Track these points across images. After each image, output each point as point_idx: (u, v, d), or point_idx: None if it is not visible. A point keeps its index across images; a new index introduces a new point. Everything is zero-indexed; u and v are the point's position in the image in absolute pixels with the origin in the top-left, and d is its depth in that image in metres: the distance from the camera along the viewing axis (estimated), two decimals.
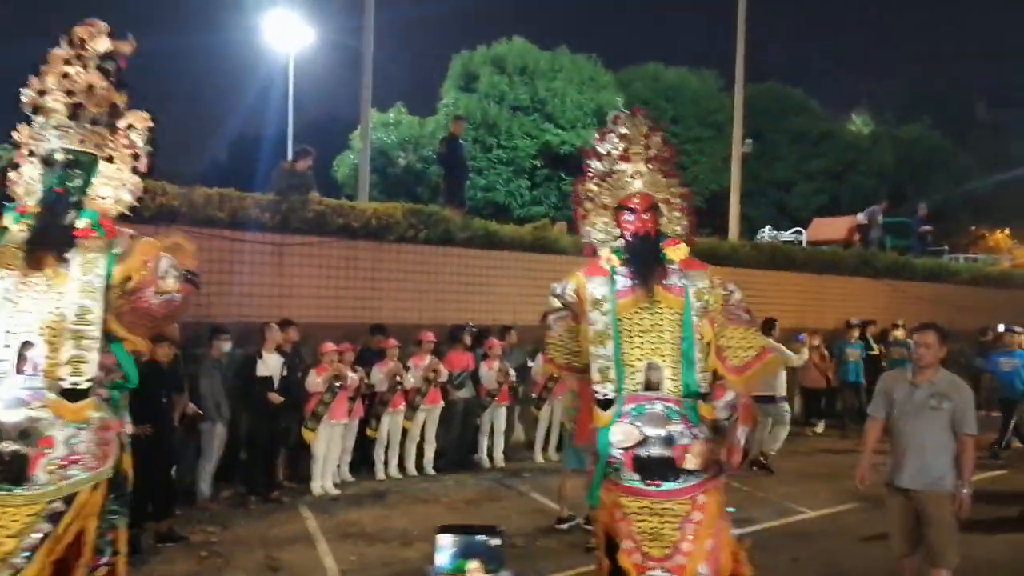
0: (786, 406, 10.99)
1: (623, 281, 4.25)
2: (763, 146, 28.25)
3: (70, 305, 3.66)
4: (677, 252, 4.33)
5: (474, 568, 4.75)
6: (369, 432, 9.52)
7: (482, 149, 24.47)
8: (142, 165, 4.01)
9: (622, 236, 4.34)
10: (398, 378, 9.45)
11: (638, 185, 4.35)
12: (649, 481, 3.96)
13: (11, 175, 3.91)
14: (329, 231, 10.33)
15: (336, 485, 8.99)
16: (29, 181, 3.86)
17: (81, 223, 3.81)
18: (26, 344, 3.60)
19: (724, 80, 28.02)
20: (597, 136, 4.58)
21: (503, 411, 10.56)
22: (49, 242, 3.71)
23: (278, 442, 8.74)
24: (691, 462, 3.94)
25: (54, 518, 3.55)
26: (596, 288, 4.29)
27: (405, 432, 9.79)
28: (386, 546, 7.04)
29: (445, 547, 4.91)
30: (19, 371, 3.58)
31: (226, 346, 8.37)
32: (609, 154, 4.44)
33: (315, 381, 8.70)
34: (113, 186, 3.92)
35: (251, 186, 11.15)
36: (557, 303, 4.53)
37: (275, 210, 9.91)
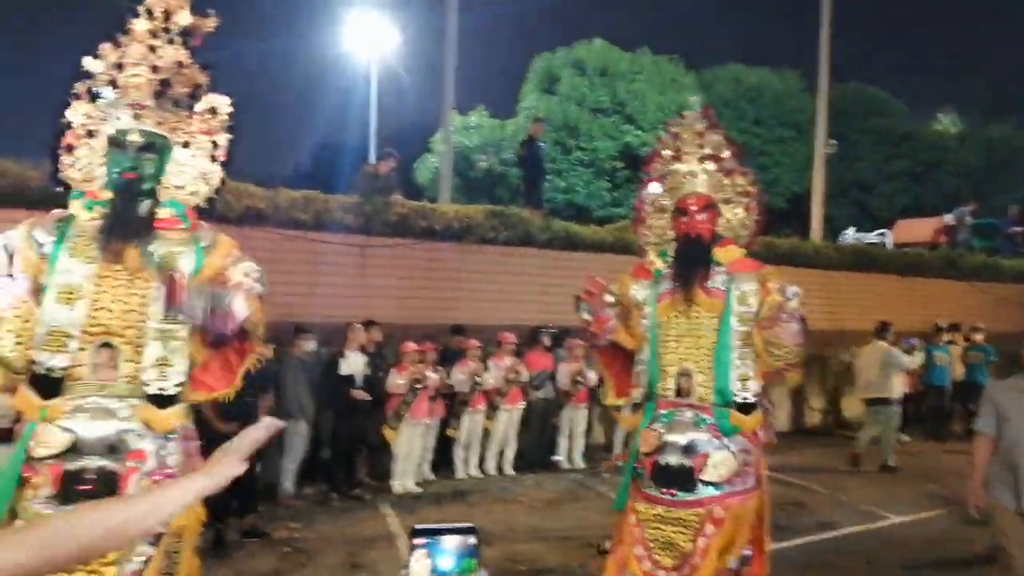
0: (897, 410, 10.73)
1: (666, 284, 4.15)
2: (845, 146, 27.49)
3: (155, 303, 3.31)
4: (727, 254, 4.17)
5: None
6: (449, 432, 9.57)
7: (562, 151, 24.45)
8: (221, 154, 3.62)
9: (676, 239, 4.23)
10: (478, 378, 9.48)
11: (692, 185, 4.21)
12: (664, 489, 3.85)
13: (64, 158, 3.47)
14: (411, 233, 10.43)
15: (417, 484, 9.06)
16: (88, 165, 3.45)
17: (165, 212, 3.47)
18: (104, 346, 3.25)
19: (806, 80, 27.39)
20: (659, 139, 4.48)
21: (582, 412, 10.50)
22: (128, 232, 3.32)
23: (360, 441, 8.85)
24: (711, 473, 3.79)
25: (154, 539, 3.17)
26: (638, 291, 4.23)
27: (485, 432, 9.81)
28: None
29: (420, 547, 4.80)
30: (97, 378, 3.22)
31: (310, 345, 8.51)
32: (662, 155, 4.35)
33: (397, 381, 8.79)
34: (189, 175, 3.55)
35: (334, 189, 11.35)
36: (611, 299, 4.37)
37: (358, 212, 10.06)
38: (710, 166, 4.23)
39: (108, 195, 3.37)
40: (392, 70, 26.48)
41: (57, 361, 3.18)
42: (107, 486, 3.09)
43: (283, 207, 9.43)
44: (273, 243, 9.32)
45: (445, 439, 9.63)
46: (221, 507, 6.92)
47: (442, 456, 9.70)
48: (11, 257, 3.26)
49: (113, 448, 3.15)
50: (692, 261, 4.10)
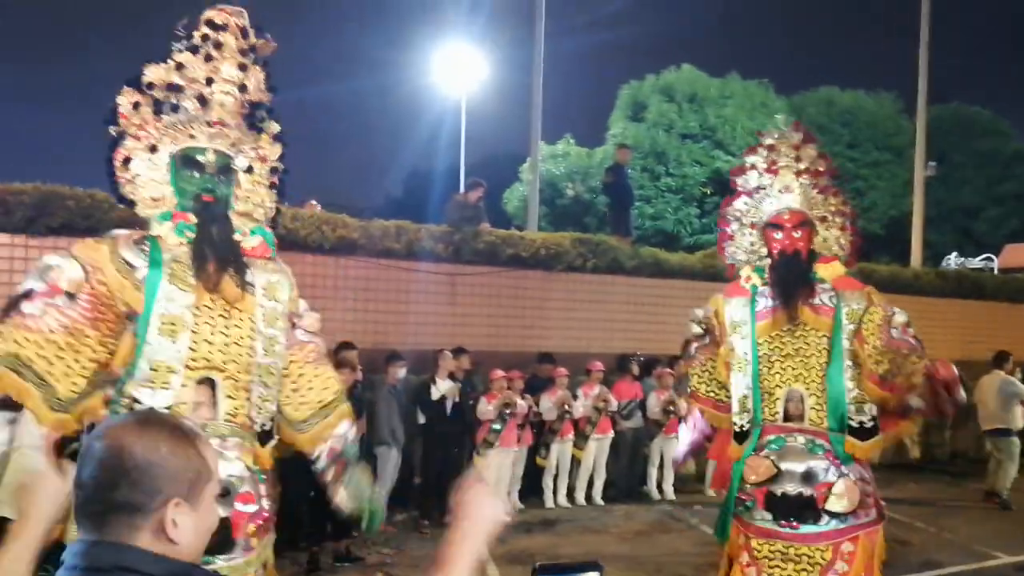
0: (1017, 441, 10.32)
1: (764, 302, 3.91)
2: (947, 169, 26.56)
3: (259, 337, 3.17)
4: (830, 270, 3.95)
5: None
6: (538, 460, 9.55)
7: (651, 177, 24.33)
8: (276, 180, 3.45)
9: (769, 255, 4.01)
10: (567, 407, 9.46)
11: (788, 200, 3.98)
12: (784, 522, 3.55)
13: (121, 172, 3.20)
14: (499, 261, 10.52)
15: (506, 512, 9.03)
16: (150, 183, 3.19)
17: (253, 241, 3.28)
18: (204, 382, 3.05)
19: (903, 101, 26.65)
20: (745, 151, 4.32)
21: (673, 442, 10.33)
22: (225, 258, 3.12)
23: (450, 468, 8.91)
24: (835, 503, 3.50)
25: None
26: (735, 310, 3.98)
27: (574, 461, 9.76)
28: None
29: None
30: (197, 416, 2.98)
31: (401, 372, 8.64)
32: (755, 167, 4.12)
33: (486, 408, 8.83)
34: (252, 202, 3.35)
35: (424, 219, 11.55)
36: (698, 329, 4.20)
37: (448, 241, 10.20)
38: (806, 181, 4.04)
39: (194, 218, 3.15)
40: (481, 101, 26.88)
41: (160, 399, 2.95)
42: (222, 533, 2.80)
43: (376, 236, 9.64)
44: (366, 272, 9.53)
45: (534, 468, 9.62)
46: (316, 531, 7.07)
47: (531, 485, 9.68)
48: (53, 272, 2.94)
49: (225, 492, 2.92)
50: (793, 276, 3.87)
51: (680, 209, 24.41)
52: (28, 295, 2.87)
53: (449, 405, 8.69)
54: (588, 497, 9.85)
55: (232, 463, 3.00)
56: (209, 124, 3.20)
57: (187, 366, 3.00)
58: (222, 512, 2.74)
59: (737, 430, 3.86)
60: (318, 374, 3.45)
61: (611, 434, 9.89)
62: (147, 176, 3.18)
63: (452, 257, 10.21)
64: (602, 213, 21.89)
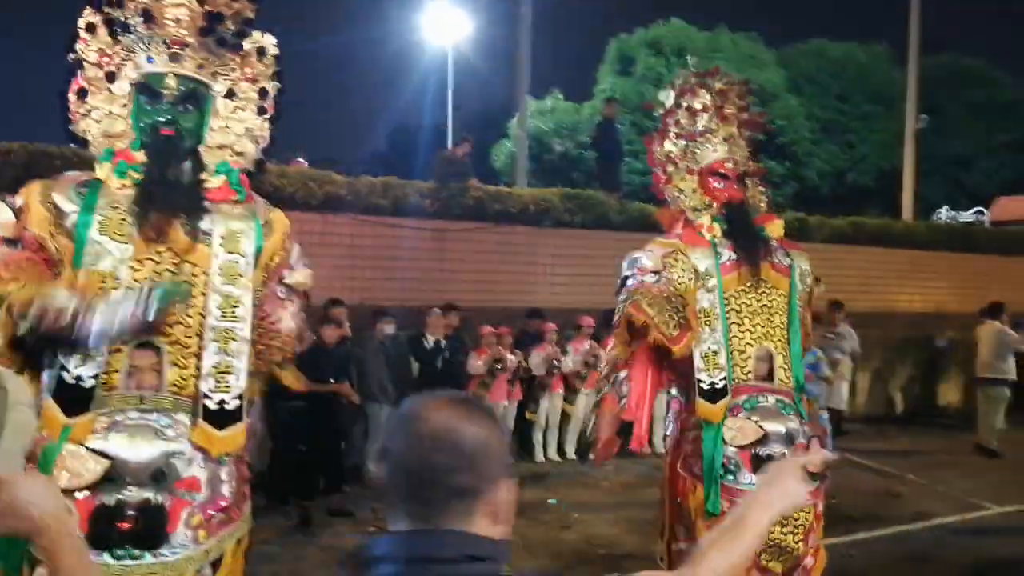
0: (1007, 392, 10.44)
1: (727, 254, 3.77)
2: (939, 121, 26.47)
3: (212, 295, 2.72)
4: (775, 228, 3.91)
5: None
6: (528, 414, 9.60)
7: (639, 133, 24.17)
8: (269, 105, 2.98)
9: (710, 204, 3.87)
10: (556, 361, 9.48)
11: (725, 150, 3.89)
12: None
13: (76, 106, 2.81)
14: (487, 217, 10.46)
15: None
16: (108, 116, 2.79)
17: (214, 181, 2.83)
18: (144, 347, 2.63)
19: (896, 53, 26.47)
20: (678, 90, 4.05)
21: (662, 397, 10.36)
22: (173, 203, 2.70)
23: None
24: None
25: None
26: (699, 260, 3.76)
27: (565, 415, 9.81)
28: (546, 527, 7.08)
29: None
30: (136, 386, 2.62)
31: (389, 329, 8.62)
32: (705, 109, 3.93)
33: (475, 364, 8.84)
34: (234, 132, 2.91)
35: (410, 174, 11.47)
36: (650, 264, 3.81)
37: (435, 197, 10.13)
38: (746, 133, 3.99)
39: (142, 157, 2.75)
40: (468, 56, 26.57)
41: (88, 368, 2.57)
42: (152, 523, 2.52)
43: (363, 193, 9.56)
44: (353, 229, 9.48)
45: (525, 422, 9.66)
46: (308, 487, 7.10)
47: (521, 439, 9.73)
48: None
49: (159, 475, 2.55)
50: (750, 231, 3.80)
51: None
52: None
53: (439, 361, 8.69)
54: (579, 452, 9.92)
55: (174, 442, 2.60)
56: (167, 44, 2.77)
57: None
58: (158, 499, 2.52)
59: (706, 388, 3.67)
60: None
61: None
62: (104, 109, 2.80)
63: (440, 213, 10.15)
64: (590, 168, 21.80)
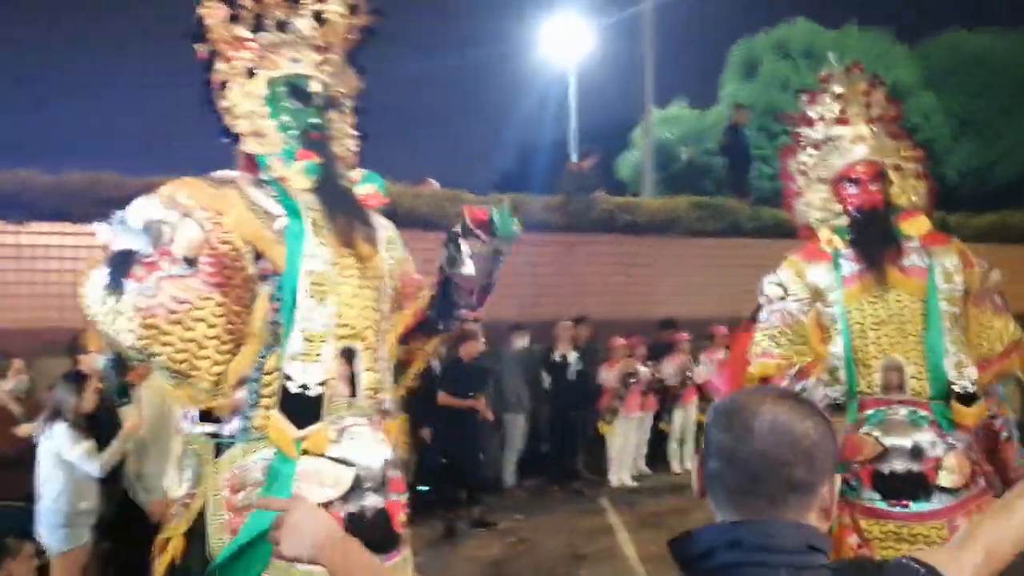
0: None
1: (849, 266, 3.60)
2: None
3: (384, 298, 2.77)
4: (916, 226, 3.65)
5: None
6: (662, 426, 9.57)
7: (768, 136, 23.67)
8: (352, 120, 2.93)
9: (845, 212, 3.70)
10: (688, 372, 9.42)
11: (861, 151, 3.68)
12: (894, 501, 3.28)
13: (220, 100, 2.68)
14: (616, 228, 10.52)
15: (633, 477, 9.13)
16: (249, 113, 2.67)
17: (366, 188, 2.81)
18: (345, 353, 2.59)
19: None
20: (806, 98, 3.93)
21: None
22: (356, 209, 2.73)
23: (577, 435, 9.03)
24: (947, 478, 3.25)
25: None
26: (819, 276, 3.64)
27: (699, 426, 9.72)
28: None
29: None
30: (341, 392, 2.57)
31: (523, 341, 8.79)
32: (823, 118, 3.79)
33: (608, 375, 8.89)
34: (344, 145, 2.86)
35: (538, 190, 11.64)
36: (777, 291, 3.70)
37: (563, 211, 10.26)
38: (878, 128, 3.74)
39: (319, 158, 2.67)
40: (590, 69, 26.68)
41: (313, 374, 2.49)
42: (384, 526, 2.56)
43: None
44: None
45: (659, 433, 9.63)
46: (452, 499, 7.33)
47: (656, 450, 9.71)
48: (164, 231, 2.40)
49: (385, 482, 2.58)
50: (878, 235, 3.59)
51: None
52: (127, 263, 2.32)
53: (572, 373, 8.80)
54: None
55: (381, 447, 2.63)
56: (317, 48, 2.73)
57: (335, 334, 2.55)
58: (379, 503, 2.53)
59: (829, 403, 3.54)
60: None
61: None
62: (245, 106, 2.67)
63: (568, 226, 10.28)
64: (718, 176, 21.49)
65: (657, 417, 9.53)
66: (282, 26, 2.69)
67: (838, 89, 3.82)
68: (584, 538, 7.10)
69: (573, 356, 8.86)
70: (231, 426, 2.51)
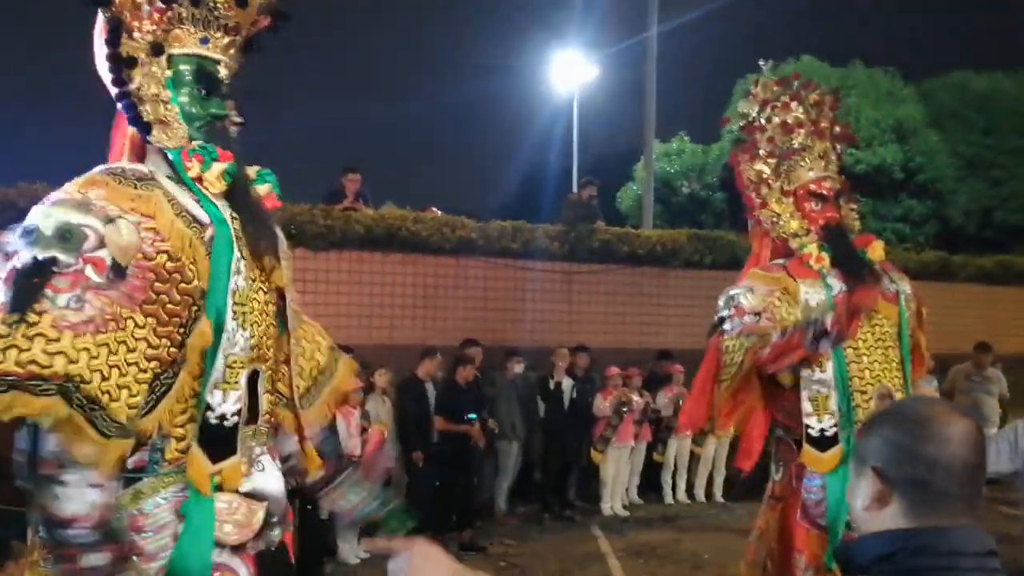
0: None
1: (838, 286, 3.42)
2: None
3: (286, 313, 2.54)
4: (876, 251, 3.57)
5: None
6: (656, 456, 9.57)
7: None
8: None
9: (808, 229, 3.55)
10: (683, 403, 9.44)
11: (821, 168, 3.58)
12: None
13: (128, 78, 2.27)
14: (615, 258, 10.59)
15: (625, 507, 9.13)
16: (151, 99, 2.29)
17: (262, 188, 2.49)
18: (252, 375, 2.37)
19: None
20: (763, 101, 3.73)
21: None
22: (265, 217, 2.44)
23: (569, 463, 9.04)
24: None
25: None
26: (810, 295, 3.40)
27: (693, 457, 9.73)
28: (677, 567, 7.05)
29: None
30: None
31: (519, 368, 8.83)
32: (786, 126, 3.62)
33: (602, 404, 8.92)
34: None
35: (539, 219, 11.74)
36: (753, 303, 3.40)
37: (563, 240, 10.35)
38: (837, 148, 3.67)
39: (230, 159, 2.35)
40: (593, 101, 26.91)
41: (231, 403, 2.28)
42: (284, 560, 2.43)
43: (494, 237, 9.87)
44: (485, 271, 9.79)
45: (653, 464, 9.64)
46: (442, 522, 7.33)
47: (650, 481, 9.70)
48: (87, 237, 2.03)
49: (285, 513, 2.44)
50: (855, 256, 3.49)
51: None
52: (44, 273, 1.96)
53: (567, 401, 8.82)
54: (708, 494, 9.80)
55: (278, 476, 2.44)
56: (227, 29, 2.38)
57: (249, 357, 2.34)
58: (280, 536, 2.38)
59: (815, 434, 3.39)
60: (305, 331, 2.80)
61: (732, 431, 9.80)
62: (149, 90, 2.29)
63: (568, 255, 10.36)
64: (718, 210, 21.65)
65: (651, 447, 9.53)
66: (196, 2, 2.32)
67: (815, 96, 3.70)
68: (575, 565, 7.09)
69: (569, 384, 8.90)
70: (133, 459, 2.15)
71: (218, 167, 2.30)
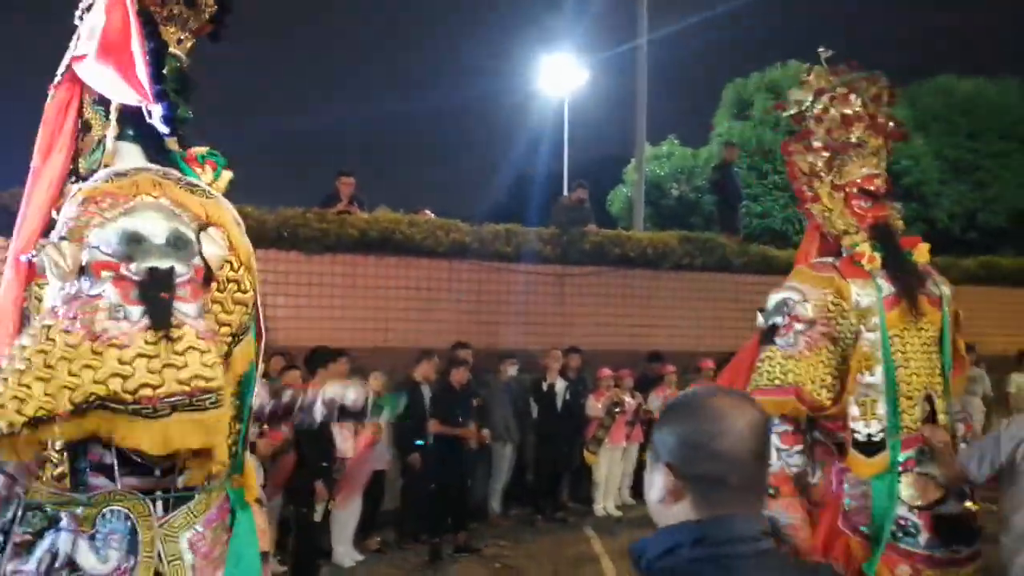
0: None
1: (887, 287, 3.31)
2: None
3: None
4: (922, 253, 3.50)
5: None
6: (647, 457, 9.62)
7: (758, 176, 23.98)
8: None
9: (857, 228, 3.43)
10: None
11: (873, 165, 3.45)
12: (955, 547, 3.07)
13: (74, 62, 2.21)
14: (607, 261, 10.67)
15: (618, 508, 9.20)
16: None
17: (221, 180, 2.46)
18: None
19: None
20: (819, 90, 3.56)
21: None
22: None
23: (562, 464, 9.10)
24: (975, 520, 3.14)
25: None
26: (861, 296, 3.29)
27: None
28: None
29: None
30: None
31: (512, 371, 8.89)
32: (845, 119, 3.47)
33: (594, 406, 8.98)
34: None
35: (530, 222, 11.81)
36: (807, 312, 3.31)
37: (556, 243, 10.42)
38: (887, 145, 3.54)
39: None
40: (583, 105, 27.03)
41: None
42: None
43: (487, 240, 9.93)
44: (478, 274, 9.85)
45: (644, 465, 9.69)
46: (437, 524, 7.38)
47: (640, 481, 9.75)
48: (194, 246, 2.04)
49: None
50: (903, 258, 3.38)
51: (788, 206, 23.97)
52: (168, 285, 1.93)
53: (560, 403, 8.89)
54: None
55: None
56: (192, 31, 2.37)
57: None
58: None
59: (861, 439, 3.25)
60: None
61: None
62: (172, 95, 2.29)
63: (560, 258, 10.43)
64: (708, 212, 21.72)
65: (643, 448, 9.60)
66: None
67: (874, 90, 3.57)
68: (568, 566, 7.15)
69: (562, 386, 8.96)
70: (183, 476, 2.09)
71: (227, 175, 2.32)
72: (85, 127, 2.28)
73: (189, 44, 2.33)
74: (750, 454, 1.39)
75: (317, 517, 6.40)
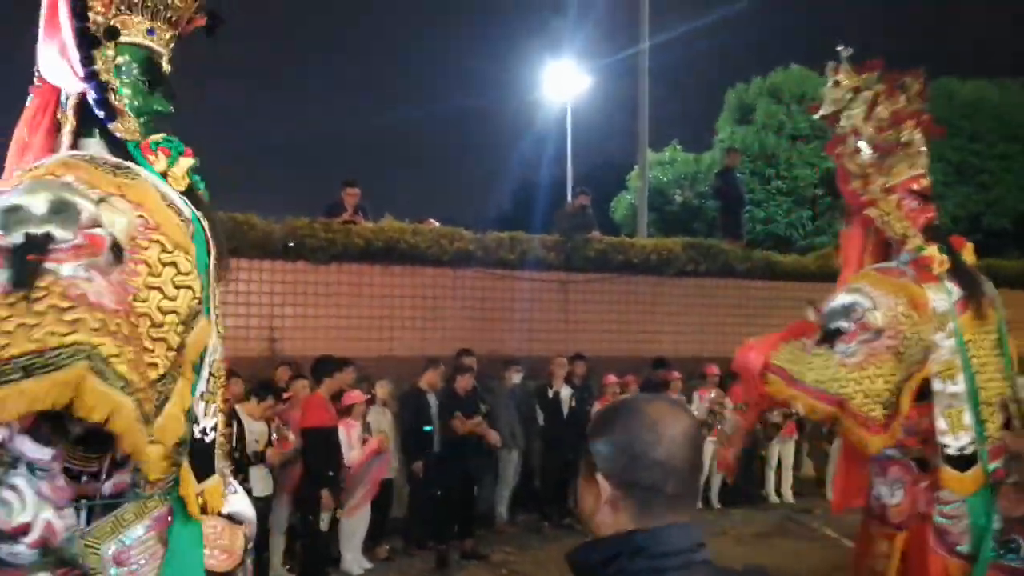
0: None
1: (956, 291, 3.21)
2: None
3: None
4: (969, 254, 3.41)
5: None
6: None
7: (760, 181, 24.00)
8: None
9: (914, 231, 3.33)
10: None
11: (921, 164, 3.38)
12: None
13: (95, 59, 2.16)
14: (610, 268, 10.70)
15: None
16: (108, 88, 2.21)
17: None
18: None
19: None
20: (850, 88, 3.46)
21: (790, 445, 10.29)
22: (215, 224, 2.33)
23: (569, 471, 9.11)
24: None
25: None
26: (937, 302, 3.17)
27: None
28: None
29: None
30: None
31: (517, 377, 8.92)
32: (896, 116, 3.38)
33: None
34: None
35: (534, 229, 11.86)
36: (877, 321, 3.13)
37: (560, 250, 10.46)
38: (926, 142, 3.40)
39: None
40: (586, 112, 27.10)
41: (210, 418, 2.16)
42: None
43: (491, 248, 9.98)
44: (482, 282, 9.89)
45: None
46: (444, 531, 7.41)
47: None
48: (80, 213, 1.89)
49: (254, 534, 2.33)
50: (966, 263, 3.28)
51: (792, 212, 23.99)
52: (40, 248, 1.79)
53: (566, 409, 8.92)
54: (705, 499, 9.89)
55: (247, 499, 2.38)
56: (171, 23, 2.29)
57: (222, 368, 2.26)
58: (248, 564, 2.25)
59: (953, 454, 3.11)
60: None
61: (729, 432, 9.89)
62: (104, 76, 2.19)
63: (564, 265, 10.47)
64: (711, 218, 21.74)
65: None
66: None
67: (918, 86, 3.48)
68: None
69: (567, 392, 8.99)
70: (111, 482, 1.96)
71: (185, 162, 2.21)
72: (58, 127, 2.27)
73: (167, 36, 2.28)
74: (686, 462, 1.40)
75: (324, 526, 6.43)
